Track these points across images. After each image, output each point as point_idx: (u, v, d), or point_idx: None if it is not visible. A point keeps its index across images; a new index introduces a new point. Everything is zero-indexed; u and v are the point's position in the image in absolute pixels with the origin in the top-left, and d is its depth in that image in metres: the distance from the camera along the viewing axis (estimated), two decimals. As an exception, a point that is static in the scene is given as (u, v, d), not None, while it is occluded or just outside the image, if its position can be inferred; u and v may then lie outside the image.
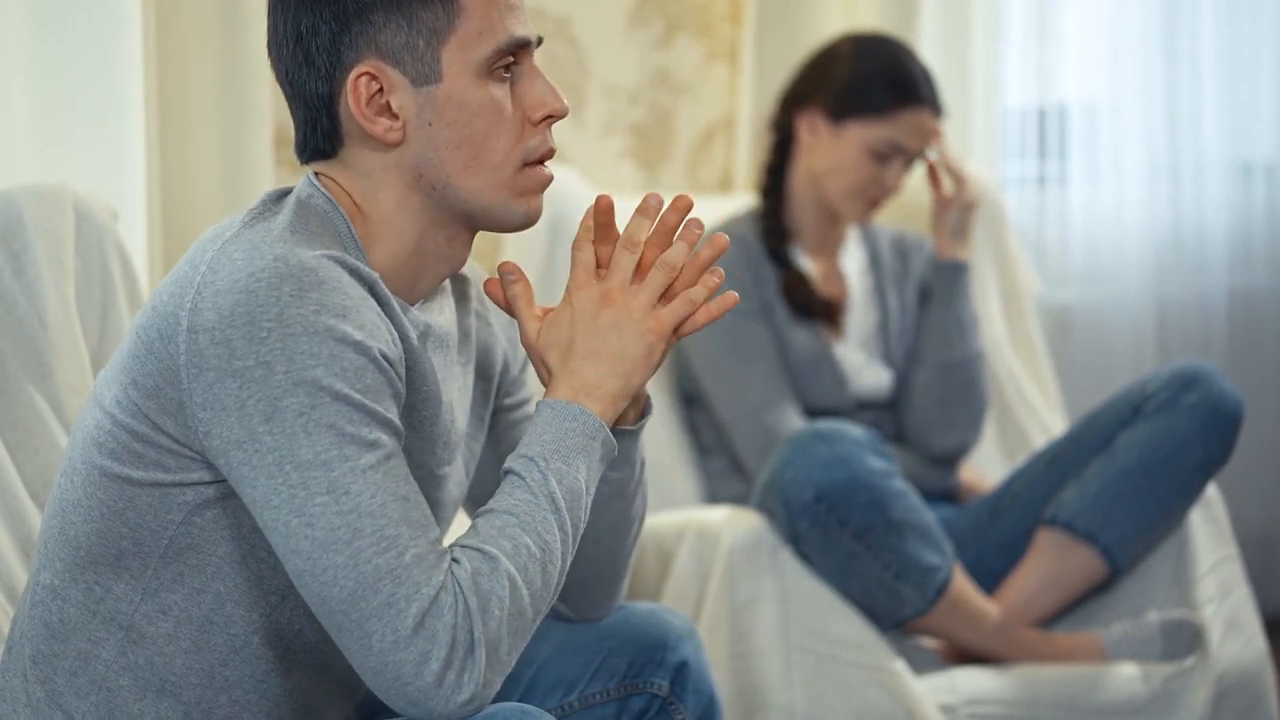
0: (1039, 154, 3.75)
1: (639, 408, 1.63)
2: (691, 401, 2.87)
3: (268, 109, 2.67)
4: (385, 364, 1.46)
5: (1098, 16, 3.75)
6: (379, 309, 1.49)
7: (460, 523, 1.80)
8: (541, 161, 1.58)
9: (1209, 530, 2.68)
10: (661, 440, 2.83)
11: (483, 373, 1.72)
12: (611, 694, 1.75)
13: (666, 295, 1.57)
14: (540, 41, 1.59)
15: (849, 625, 2.48)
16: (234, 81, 2.65)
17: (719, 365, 2.77)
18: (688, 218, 1.59)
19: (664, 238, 1.58)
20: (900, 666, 2.48)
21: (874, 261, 2.92)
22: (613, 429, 1.58)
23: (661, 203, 1.59)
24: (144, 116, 2.41)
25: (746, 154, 3.26)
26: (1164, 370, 2.67)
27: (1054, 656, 2.58)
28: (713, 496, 2.84)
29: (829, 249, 2.90)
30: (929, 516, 2.51)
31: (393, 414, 1.46)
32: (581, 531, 1.52)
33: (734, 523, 2.52)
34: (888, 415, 2.87)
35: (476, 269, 1.73)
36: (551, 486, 1.49)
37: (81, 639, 1.54)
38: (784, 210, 2.87)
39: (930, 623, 2.54)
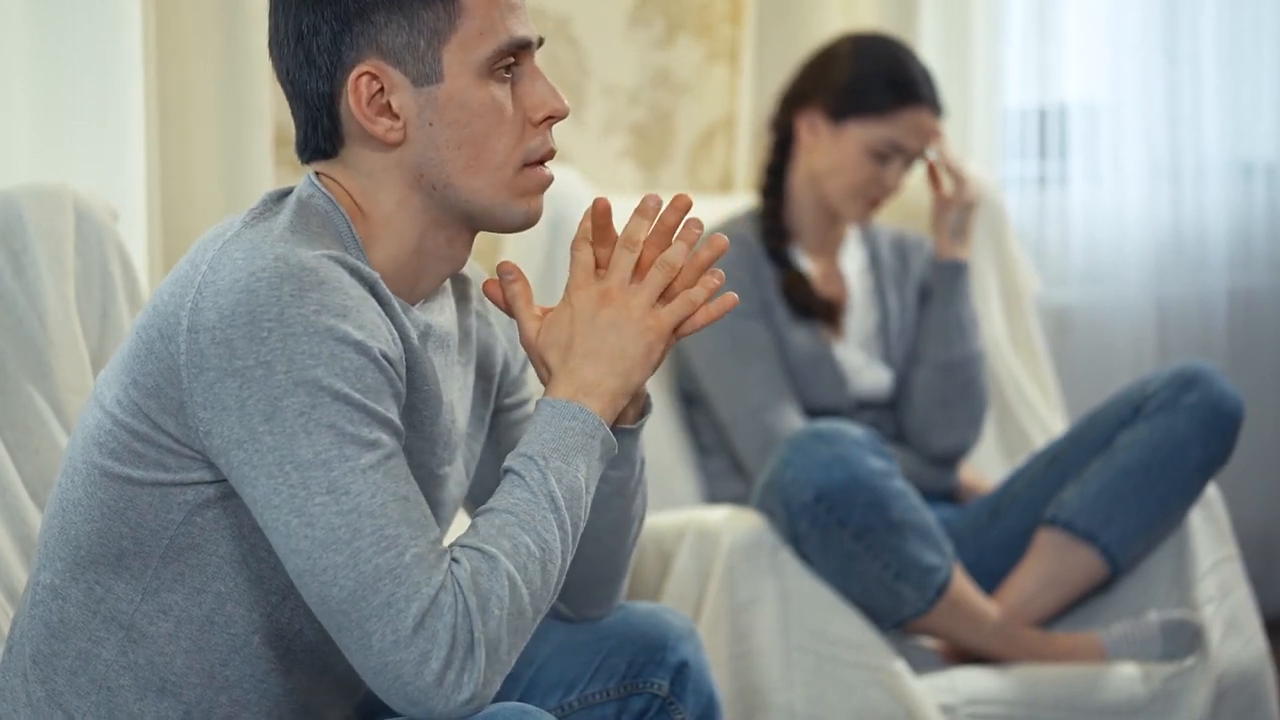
0: (1039, 154, 3.75)
1: (639, 406, 1.63)
2: (691, 401, 2.87)
3: (268, 109, 2.67)
4: (385, 364, 1.46)
5: (1098, 16, 3.75)
6: (379, 309, 1.49)
7: (460, 522, 1.80)
8: (542, 162, 1.58)
9: (1209, 530, 2.68)
10: (661, 440, 2.83)
11: (483, 373, 1.72)
12: (611, 694, 1.75)
13: (666, 295, 1.57)
14: (541, 42, 1.59)
15: (849, 625, 2.48)
16: (234, 81, 2.65)
17: (719, 365, 2.77)
18: (687, 218, 1.59)
19: (663, 237, 1.58)
20: (900, 666, 2.48)
21: (874, 261, 2.92)
22: (613, 428, 1.58)
23: (660, 203, 1.59)
24: (144, 116, 2.41)
25: (746, 154, 3.26)
26: (1164, 370, 2.67)
27: (1054, 656, 2.58)
28: (713, 496, 2.84)
29: (829, 249, 2.90)
30: (929, 516, 2.51)
31: (393, 414, 1.46)
32: (581, 530, 1.52)
33: (734, 523, 2.52)
34: (888, 415, 2.87)
35: (477, 269, 1.73)
36: (551, 485, 1.49)
37: (82, 638, 1.54)
38: (784, 210, 2.87)
39: (930, 623, 2.54)
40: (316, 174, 1.58)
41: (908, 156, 2.81)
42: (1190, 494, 2.63)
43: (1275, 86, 3.85)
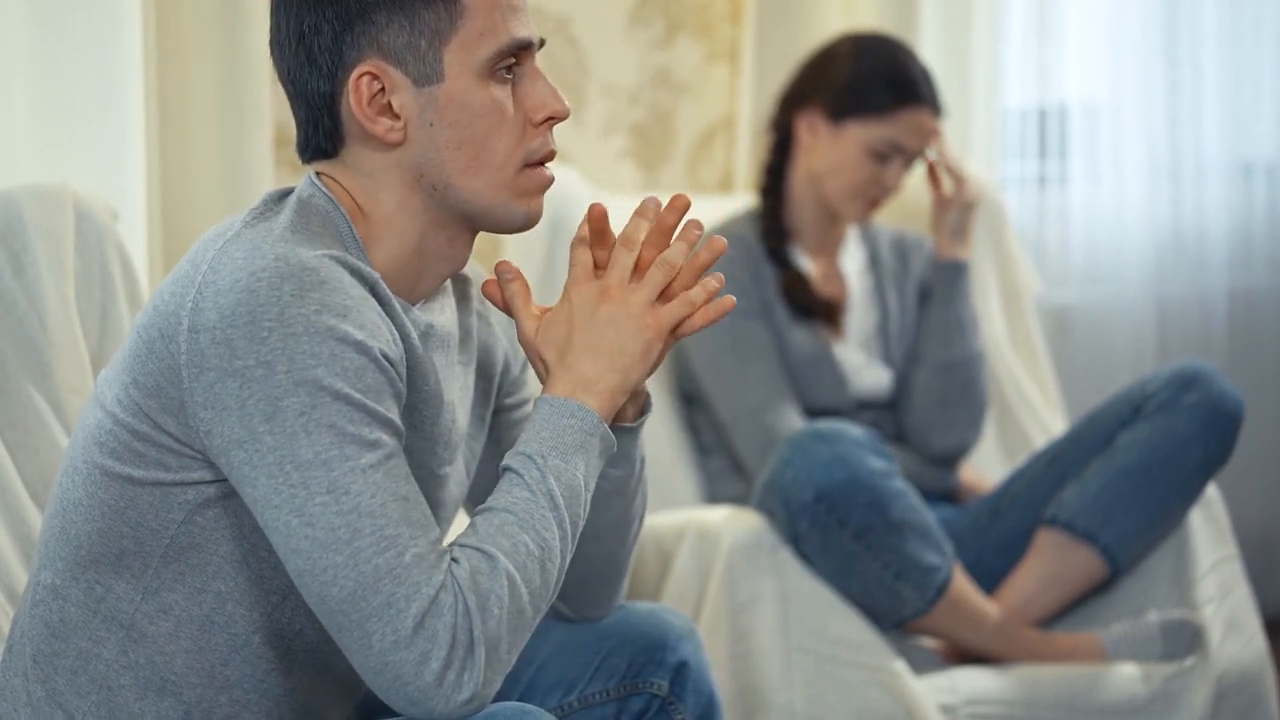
0: (1039, 154, 3.75)
1: (639, 405, 1.64)
2: (691, 401, 2.87)
3: (268, 109, 2.67)
4: (386, 364, 1.46)
5: (1098, 16, 3.75)
6: (380, 309, 1.49)
7: (460, 522, 1.80)
8: (542, 163, 1.58)
9: (1209, 530, 2.68)
10: (661, 440, 2.83)
11: (484, 373, 1.72)
12: (611, 694, 1.75)
13: (665, 295, 1.57)
14: (543, 43, 1.59)
15: (849, 625, 2.48)
16: (234, 81, 2.65)
17: (719, 365, 2.77)
18: (687, 219, 1.59)
19: (661, 238, 1.58)
20: (900, 666, 2.48)
21: (874, 261, 2.92)
22: (612, 426, 1.58)
23: (660, 206, 1.59)
24: (144, 116, 2.41)
25: (746, 154, 3.26)
26: (1164, 370, 2.67)
27: (1054, 656, 2.58)
28: (713, 496, 2.84)
29: (829, 249, 2.90)
30: (929, 516, 2.51)
31: (393, 414, 1.46)
32: (580, 529, 1.52)
33: (734, 523, 2.52)
34: (888, 415, 2.87)
35: (478, 269, 1.73)
36: (550, 484, 1.49)
37: (82, 638, 1.54)
38: (784, 210, 2.87)
39: (930, 623, 2.54)
40: (317, 174, 1.58)
41: (908, 156, 2.81)
42: (1190, 494, 2.63)
43: (1275, 86, 3.85)
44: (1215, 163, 3.81)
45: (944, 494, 2.86)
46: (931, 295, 2.89)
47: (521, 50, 1.56)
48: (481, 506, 1.49)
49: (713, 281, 1.58)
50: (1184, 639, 2.58)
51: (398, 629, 1.40)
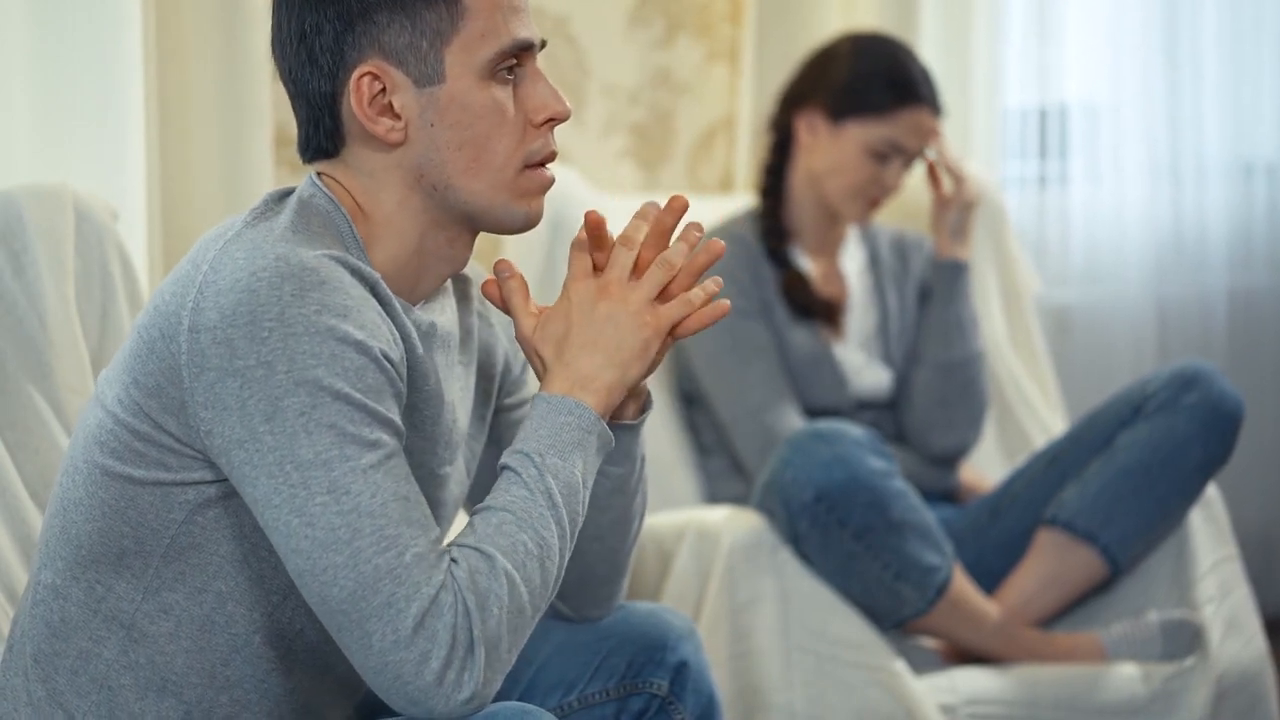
0: (1039, 154, 3.75)
1: (639, 402, 1.64)
2: (691, 401, 2.87)
3: (268, 109, 2.67)
4: (386, 364, 1.46)
5: (1098, 16, 3.75)
6: (380, 309, 1.50)
7: (461, 522, 1.80)
8: (543, 164, 1.58)
9: (1209, 530, 2.68)
10: (661, 440, 2.83)
11: (484, 372, 1.72)
12: (611, 694, 1.75)
13: (663, 295, 1.57)
14: (544, 44, 1.59)
15: (849, 625, 2.48)
16: (234, 81, 2.65)
17: (719, 365, 2.77)
18: (687, 221, 1.59)
19: (660, 239, 1.59)
20: (900, 666, 2.48)
21: (874, 261, 2.92)
22: (613, 424, 1.58)
23: (658, 209, 1.59)
24: (144, 116, 2.41)
25: (746, 154, 3.26)
26: (1164, 370, 2.67)
27: (1054, 656, 2.58)
28: (713, 496, 2.84)
29: (829, 249, 2.90)
30: (929, 516, 2.51)
31: (394, 414, 1.46)
32: (579, 526, 1.52)
33: (734, 523, 2.52)
34: (888, 415, 2.87)
35: (478, 269, 1.73)
36: (548, 482, 1.49)
37: (83, 638, 1.54)
38: (783, 210, 2.87)
39: (930, 623, 2.54)
40: (318, 174, 1.58)
41: (907, 156, 2.81)
42: (1190, 494, 2.63)
43: (1276, 86, 3.85)
44: (1215, 163, 3.82)
45: (944, 494, 2.86)
46: (931, 295, 2.89)
47: (523, 51, 1.56)
48: (480, 505, 1.49)
49: (711, 284, 1.58)
50: (1184, 639, 2.58)
51: (398, 629, 1.40)
